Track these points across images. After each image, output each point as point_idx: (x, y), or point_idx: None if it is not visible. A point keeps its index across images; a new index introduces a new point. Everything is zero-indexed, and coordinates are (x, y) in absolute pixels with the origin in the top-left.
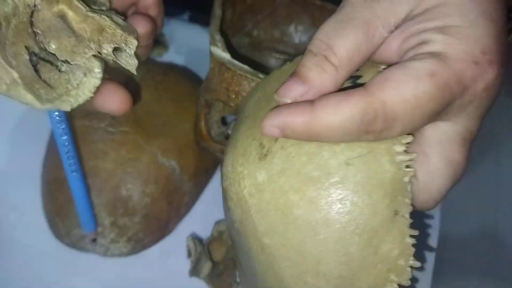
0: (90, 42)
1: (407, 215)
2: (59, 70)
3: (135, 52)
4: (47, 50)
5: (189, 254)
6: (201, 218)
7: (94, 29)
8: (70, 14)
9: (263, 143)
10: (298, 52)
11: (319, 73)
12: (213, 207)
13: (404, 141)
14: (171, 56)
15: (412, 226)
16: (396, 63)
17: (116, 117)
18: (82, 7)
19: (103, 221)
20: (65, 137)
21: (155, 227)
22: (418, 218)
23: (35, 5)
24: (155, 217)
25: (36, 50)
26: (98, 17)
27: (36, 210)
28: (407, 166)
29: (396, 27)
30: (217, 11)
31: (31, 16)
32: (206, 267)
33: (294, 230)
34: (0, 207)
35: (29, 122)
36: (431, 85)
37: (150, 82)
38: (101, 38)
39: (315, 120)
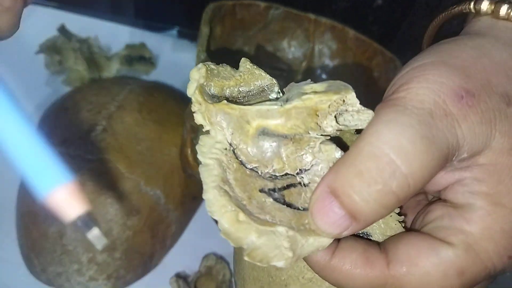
0: (309, 133)
1: None
2: (305, 185)
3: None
4: (277, 176)
5: None
6: (189, 249)
7: (305, 117)
8: (270, 123)
9: None
10: (291, 69)
11: (377, 211)
12: (201, 237)
13: None
14: (159, 73)
15: None
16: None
17: (95, 143)
18: (276, 107)
19: (80, 257)
20: None
21: (138, 262)
22: None
23: (230, 144)
24: (137, 251)
25: (269, 184)
26: (300, 102)
27: (12, 245)
28: None
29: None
30: (203, 29)
31: (237, 157)
32: None
33: None
34: None
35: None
36: (458, 283)
37: (133, 104)
38: (316, 119)
39: (327, 270)
